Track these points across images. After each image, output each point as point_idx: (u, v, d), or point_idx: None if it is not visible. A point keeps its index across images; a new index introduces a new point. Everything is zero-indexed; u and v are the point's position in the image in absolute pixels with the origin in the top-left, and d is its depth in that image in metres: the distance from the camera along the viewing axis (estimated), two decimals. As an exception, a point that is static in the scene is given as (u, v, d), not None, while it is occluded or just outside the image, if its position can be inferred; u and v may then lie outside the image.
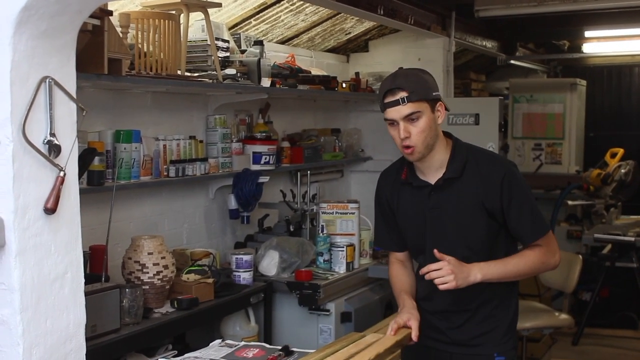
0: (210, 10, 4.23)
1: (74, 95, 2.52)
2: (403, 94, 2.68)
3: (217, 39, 4.36)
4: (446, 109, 2.83)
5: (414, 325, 2.74)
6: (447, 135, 2.88)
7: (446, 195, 2.81)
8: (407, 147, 2.73)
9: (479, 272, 2.70)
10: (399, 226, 2.96)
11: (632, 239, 6.19)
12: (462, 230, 2.79)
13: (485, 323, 2.88)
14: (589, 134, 9.67)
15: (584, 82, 9.38)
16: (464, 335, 2.89)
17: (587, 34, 8.37)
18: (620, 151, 7.71)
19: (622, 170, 7.32)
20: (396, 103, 2.68)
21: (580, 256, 5.77)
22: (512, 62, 8.66)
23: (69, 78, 2.51)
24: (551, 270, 2.94)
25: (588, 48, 9.27)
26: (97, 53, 3.31)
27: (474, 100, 7.44)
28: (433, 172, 2.83)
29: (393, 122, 2.73)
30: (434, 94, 2.75)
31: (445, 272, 2.64)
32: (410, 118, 2.69)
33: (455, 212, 2.79)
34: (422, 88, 2.72)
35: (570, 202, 7.56)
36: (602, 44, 9.15)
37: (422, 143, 2.72)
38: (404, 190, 2.91)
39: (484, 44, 7.58)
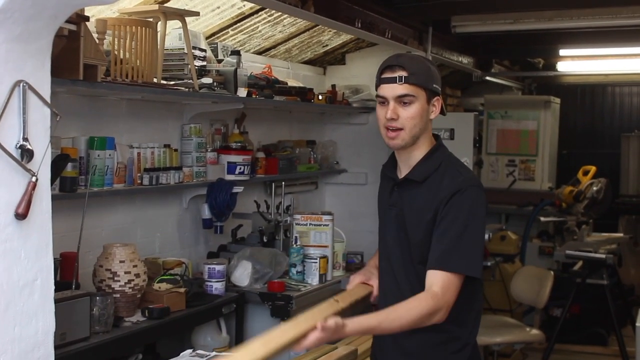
0: (188, 19, 4.23)
1: (48, 100, 2.50)
2: (402, 73, 2.53)
3: (194, 47, 4.35)
4: (443, 113, 2.65)
5: (375, 283, 2.71)
6: (435, 137, 2.69)
7: (404, 196, 2.64)
8: (391, 129, 2.55)
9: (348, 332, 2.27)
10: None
11: (603, 256, 6.23)
12: (407, 234, 2.62)
13: None
14: (561, 152, 9.76)
15: (557, 100, 9.47)
16: None
17: (562, 52, 8.46)
18: (593, 169, 7.79)
19: (594, 188, 7.39)
20: (392, 80, 2.53)
21: (552, 272, 5.81)
22: (487, 78, 8.72)
23: (43, 83, 2.49)
24: (431, 324, 2.45)
25: (562, 66, 9.36)
26: (73, 58, 3.28)
27: (449, 115, 7.44)
28: (407, 168, 2.65)
29: (383, 101, 2.56)
30: (434, 85, 2.58)
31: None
32: (402, 100, 2.53)
33: (406, 214, 2.62)
34: (423, 74, 2.56)
35: (542, 219, 7.61)
36: (576, 63, 9.24)
37: (409, 130, 2.54)
38: (382, 181, 2.81)
39: (460, 59, 7.63)
